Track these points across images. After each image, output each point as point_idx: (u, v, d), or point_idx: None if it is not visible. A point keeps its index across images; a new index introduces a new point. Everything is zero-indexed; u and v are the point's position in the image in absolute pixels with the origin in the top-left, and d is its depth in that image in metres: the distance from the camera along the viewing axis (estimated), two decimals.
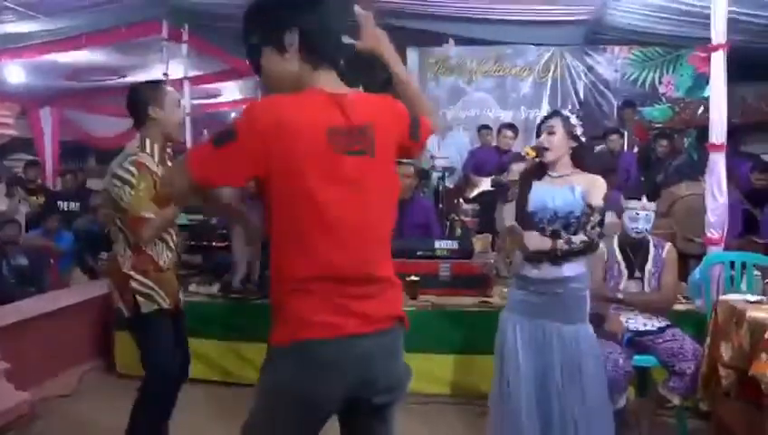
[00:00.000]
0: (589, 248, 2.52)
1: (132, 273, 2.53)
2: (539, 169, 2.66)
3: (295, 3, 1.48)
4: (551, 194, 2.57)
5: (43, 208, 6.69)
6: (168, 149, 2.67)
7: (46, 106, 9.38)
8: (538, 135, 2.69)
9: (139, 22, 6.13)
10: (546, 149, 2.61)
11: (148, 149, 2.53)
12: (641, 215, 3.12)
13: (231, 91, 9.73)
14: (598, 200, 2.52)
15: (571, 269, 2.55)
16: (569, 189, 2.56)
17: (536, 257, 2.56)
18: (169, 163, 2.59)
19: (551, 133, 2.61)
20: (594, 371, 2.56)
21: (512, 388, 2.57)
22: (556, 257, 2.52)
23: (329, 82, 1.52)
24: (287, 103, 1.42)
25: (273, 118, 1.38)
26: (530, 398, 2.55)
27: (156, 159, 2.53)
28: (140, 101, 2.56)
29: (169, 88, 2.68)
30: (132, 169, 2.43)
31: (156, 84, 2.70)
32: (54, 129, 9.52)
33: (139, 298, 2.53)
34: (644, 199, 3.13)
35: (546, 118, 2.70)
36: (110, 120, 10.11)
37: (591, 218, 2.50)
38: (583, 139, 2.67)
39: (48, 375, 3.86)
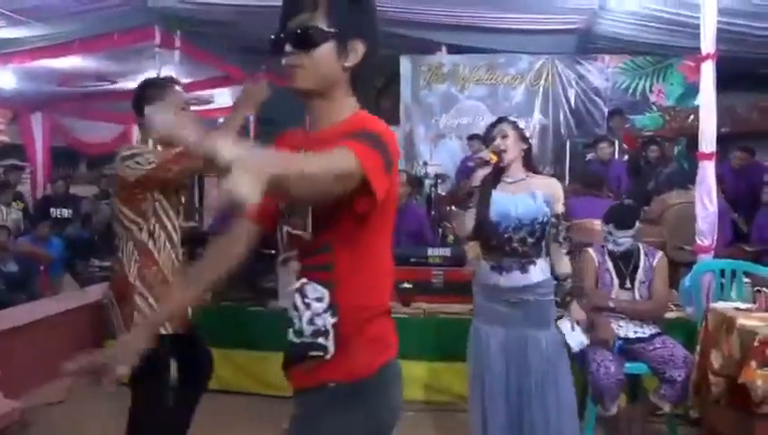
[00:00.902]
0: (533, 248, 2.57)
1: (138, 284, 2.33)
2: (495, 177, 2.68)
3: (374, 21, 1.39)
4: (512, 202, 2.59)
5: (32, 215, 6.66)
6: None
7: (37, 112, 9.33)
8: (486, 142, 2.75)
9: (131, 28, 6.13)
10: (503, 151, 2.64)
11: (149, 146, 2.42)
12: (609, 238, 3.18)
13: (224, 97, 9.71)
14: (561, 207, 2.59)
15: (537, 275, 2.58)
16: (529, 196, 2.59)
17: (504, 266, 2.58)
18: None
19: (504, 137, 2.65)
20: (567, 373, 2.60)
21: (487, 395, 2.59)
22: (524, 262, 2.55)
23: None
24: None
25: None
26: (507, 404, 2.58)
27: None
28: (141, 99, 2.42)
29: (177, 88, 2.50)
30: (150, 156, 2.28)
31: (160, 83, 2.55)
32: (45, 134, 9.47)
33: (137, 317, 2.29)
34: (611, 226, 3.16)
35: (493, 125, 2.75)
36: (101, 126, 10.08)
37: (560, 228, 2.56)
38: (530, 141, 2.75)
39: (38, 383, 3.83)
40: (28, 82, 7.53)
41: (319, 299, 1.32)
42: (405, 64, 7.74)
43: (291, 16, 1.33)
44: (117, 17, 5.84)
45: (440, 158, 7.54)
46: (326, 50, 1.31)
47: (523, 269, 2.56)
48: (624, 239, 3.15)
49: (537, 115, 7.67)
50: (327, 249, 1.31)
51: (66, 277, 5.99)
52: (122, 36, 6.17)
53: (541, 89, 7.73)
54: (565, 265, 2.66)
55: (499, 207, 2.59)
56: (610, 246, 3.19)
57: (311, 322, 1.33)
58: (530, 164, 2.71)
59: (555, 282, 2.64)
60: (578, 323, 2.72)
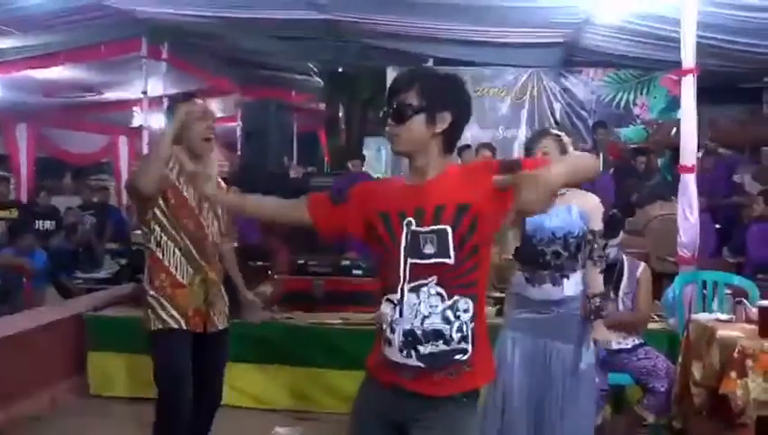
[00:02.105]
0: (566, 262, 2.52)
1: (147, 287, 2.53)
2: None
3: (461, 95, 1.71)
4: (547, 214, 2.48)
5: (16, 226, 6.59)
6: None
7: (22, 122, 9.28)
8: (528, 153, 2.66)
9: (118, 39, 6.13)
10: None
11: (170, 165, 2.52)
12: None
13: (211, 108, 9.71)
14: (599, 224, 2.52)
15: (570, 289, 2.53)
16: (565, 209, 2.51)
17: (537, 278, 2.54)
18: (199, 180, 2.48)
19: (545, 154, 2.56)
20: (588, 390, 2.56)
21: (506, 403, 2.55)
22: (557, 276, 2.53)
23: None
24: None
25: None
26: (524, 413, 2.53)
27: (175, 172, 2.52)
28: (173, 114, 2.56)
29: (196, 101, 2.60)
30: None
31: (178, 100, 2.65)
32: (30, 145, 9.41)
33: (150, 313, 2.51)
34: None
35: (538, 137, 2.66)
36: (87, 137, 10.05)
37: (596, 245, 2.50)
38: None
39: (19, 396, 3.78)
40: (14, 92, 7.50)
41: (466, 311, 1.61)
42: (391, 76, 7.77)
43: (393, 95, 1.67)
44: (104, 28, 5.85)
45: None
46: (416, 121, 1.63)
47: (556, 283, 2.51)
48: (610, 248, 3.16)
49: (523, 127, 7.73)
50: (475, 268, 1.62)
51: (50, 290, 5.93)
52: (109, 47, 6.17)
53: (526, 101, 7.79)
54: (596, 284, 2.58)
55: (533, 219, 2.51)
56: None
57: (459, 329, 1.61)
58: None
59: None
60: (595, 342, 2.73)
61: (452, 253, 1.59)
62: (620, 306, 3.20)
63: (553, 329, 2.54)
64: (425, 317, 1.60)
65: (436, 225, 1.60)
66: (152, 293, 2.52)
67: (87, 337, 4.08)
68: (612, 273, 3.22)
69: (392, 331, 1.63)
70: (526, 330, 2.58)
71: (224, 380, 2.76)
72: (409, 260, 1.62)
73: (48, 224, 7.12)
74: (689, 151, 3.62)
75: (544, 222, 2.53)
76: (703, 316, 3.06)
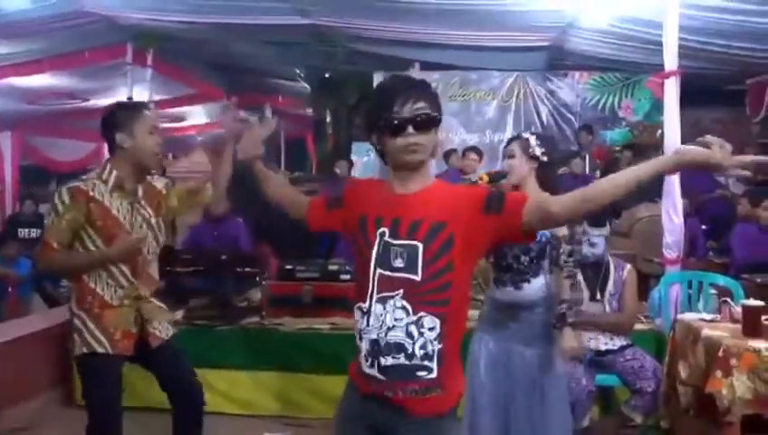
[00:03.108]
0: (529, 267, 2.53)
1: (74, 308, 2.41)
2: None
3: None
4: None
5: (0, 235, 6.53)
6: (152, 177, 2.54)
7: (6, 130, 9.19)
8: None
9: (102, 46, 6.09)
10: (504, 172, 2.64)
11: (104, 176, 2.41)
12: (583, 239, 3.19)
13: (197, 115, 9.69)
14: (563, 230, 2.52)
15: (530, 294, 2.54)
16: None
17: (500, 280, 2.58)
18: (138, 192, 2.45)
19: (510, 157, 2.62)
20: (557, 395, 2.55)
21: (476, 404, 2.57)
22: (517, 278, 2.54)
23: None
24: None
25: None
26: (490, 413, 2.54)
27: (109, 186, 2.39)
28: (109, 126, 2.42)
29: (146, 112, 2.47)
30: (65, 197, 2.34)
31: (129, 108, 2.50)
32: (15, 153, 9.32)
33: (75, 337, 2.38)
34: (584, 225, 3.19)
35: (507, 143, 2.71)
36: (72, 145, 9.95)
37: (561, 251, 2.51)
38: (545, 158, 2.61)
39: (5, 406, 3.74)
40: None
41: (432, 329, 1.58)
42: (378, 81, 7.79)
43: (404, 103, 1.59)
44: (88, 35, 5.80)
45: None
46: (435, 131, 1.64)
47: (517, 286, 2.53)
48: (598, 239, 3.18)
49: (510, 131, 7.76)
50: (446, 287, 1.58)
51: (35, 298, 5.87)
52: (93, 54, 6.13)
53: (513, 105, 7.84)
54: (563, 289, 2.56)
55: None
56: (585, 249, 3.19)
57: (423, 347, 1.57)
58: (547, 183, 2.58)
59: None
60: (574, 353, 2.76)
61: (419, 270, 1.56)
62: (607, 307, 3.22)
63: (515, 332, 2.55)
64: (389, 329, 1.58)
65: (409, 239, 1.58)
66: (79, 314, 2.39)
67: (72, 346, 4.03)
68: (598, 274, 3.25)
69: (360, 339, 1.63)
70: (491, 331, 2.60)
71: (198, 382, 2.65)
72: (379, 270, 1.61)
73: (33, 232, 7.05)
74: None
75: None
76: (688, 316, 3.09)
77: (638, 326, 3.50)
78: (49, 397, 4.08)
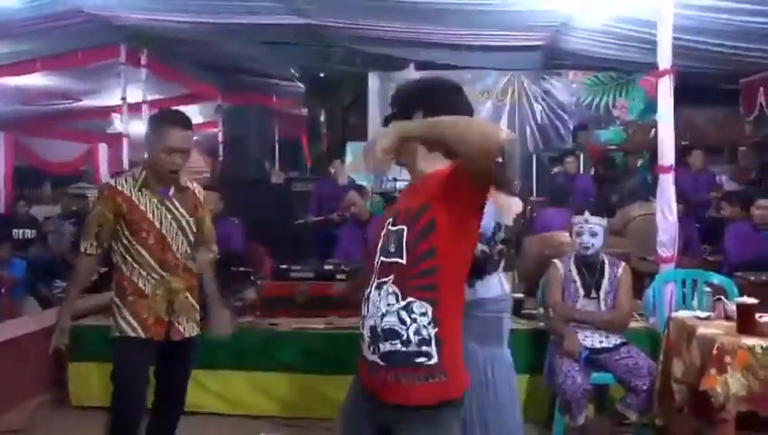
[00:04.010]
0: (486, 262, 2.50)
1: (113, 295, 2.59)
2: None
3: (432, 94, 1.79)
4: None
5: None
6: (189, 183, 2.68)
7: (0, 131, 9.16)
8: None
9: (96, 46, 6.07)
10: None
11: (137, 174, 2.57)
12: (585, 228, 3.20)
13: (191, 114, 9.65)
14: (508, 220, 2.56)
15: (485, 291, 2.51)
16: None
17: None
18: (159, 192, 2.57)
19: None
20: (507, 397, 2.52)
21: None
22: (469, 276, 2.52)
23: None
24: None
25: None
26: None
27: (138, 184, 2.54)
28: (147, 127, 2.62)
29: (171, 131, 2.48)
30: (97, 192, 2.60)
31: (158, 121, 2.57)
32: (8, 154, 9.29)
33: (113, 320, 2.57)
34: (586, 214, 3.21)
35: None
36: (66, 145, 9.93)
37: (496, 236, 2.52)
38: (499, 159, 2.67)
39: None
40: None
41: (423, 314, 1.59)
42: (373, 81, 7.80)
43: (394, 117, 1.74)
44: (81, 35, 5.78)
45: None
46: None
47: (468, 284, 2.52)
48: (599, 229, 3.19)
49: (504, 130, 7.77)
50: (433, 272, 1.59)
51: (29, 300, 5.84)
52: (87, 54, 6.12)
53: (507, 104, 7.86)
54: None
55: None
56: (586, 239, 3.19)
57: (417, 332, 1.58)
58: (501, 183, 2.57)
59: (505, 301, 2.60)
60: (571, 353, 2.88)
61: (404, 253, 1.60)
62: (602, 306, 3.23)
63: (466, 330, 2.52)
64: (383, 315, 1.61)
65: (399, 224, 1.64)
66: (115, 301, 2.57)
67: (67, 347, 4.01)
68: (593, 272, 3.26)
69: (362, 326, 1.66)
70: None
71: (187, 389, 2.75)
72: (381, 258, 1.66)
73: (27, 233, 7.02)
74: (667, 152, 3.67)
75: None
76: (683, 314, 3.09)
77: (633, 324, 3.50)
78: (43, 399, 4.06)
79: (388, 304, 1.60)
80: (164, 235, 2.55)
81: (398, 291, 1.59)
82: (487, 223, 2.50)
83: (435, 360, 1.58)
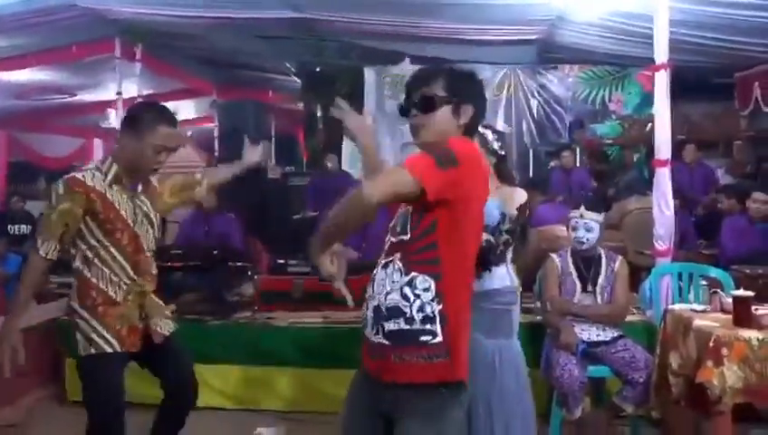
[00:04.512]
0: (490, 251, 2.51)
1: (76, 305, 2.32)
2: None
3: (481, 90, 1.83)
4: None
5: None
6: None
7: None
8: None
9: (90, 40, 6.04)
10: None
11: (104, 169, 2.35)
12: (580, 223, 3.20)
13: (186, 109, 9.62)
14: (511, 210, 2.56)
15: (492, 283, 2.52)
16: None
17: None
18: (126, 188, 2.37)
19: None
20: (515, 388, 2.53)
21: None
22: (477, 270, 2.52)
23: None
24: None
25: (482, 162, 1.73)
26: None
27: (108, 179, 2.33)
28: (126, 120, 2.39)
29: (161, 129, 2.32)
30: (61, 187, 2.28)
31: (147, 115, 2.35)
32: (2, 149, 9.25)
33: (79, 336, 2.30)
34: (582, 209, 3.21)
35: None
36: (60, 140, 9.88)
37: (501, 226, 2.53)
38: (502, 152, 2.71)
39: None
40: None
41: (426, 290, 1.60)
42: (369, 75, 7.78)
43: (415, 87, 1.75)
44: (75, 29, 5.75)
45: None
46: (443, 112, 1.72)
47: (478, 276, 2.50)
48: (595, 224, 3.19)
49: (500, 124, 7.77)
50: (433, 246, 1.61)
51: None
52: (81, 48, 6.08)
53: (503, 98, 7.84)
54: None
55: None
56: (582, 234, 3.20)
57: (420, 309, 1.59)
58: (503, 175, 2.68)
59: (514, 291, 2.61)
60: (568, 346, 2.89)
61: (408, 230, 1.66)
62: (599, 299, 3.24)
63: (476, 323, 2.52)
64: (387, 293, 1.63)
65: (406, 207, 1.70)
66: (81, 312, 2.30)
67: (63, 343, 4.01)
68: (590, 266, 3.27)
69: (367, 308, 1.68)
70: None
71: (196, 380, 2.61)
72: (390, 238, 1.72)
73: (22, 229, 7.00)
74: (663, 145, 3.67)
75: None
76: (679, 307, 3.10)
77: (630, 317, 3.51)
78: (40, 395, 4.05)
79: (393, 282, 1.63)
80: (137, 233, 2.37)
81: (402, 267, 1.63)
82: (492, 213, 2.50)
83: (439, 338, 1.59)
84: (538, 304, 3.55)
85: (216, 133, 8.77)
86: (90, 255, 2.31)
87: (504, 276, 2.56)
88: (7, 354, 2.27)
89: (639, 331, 3.52)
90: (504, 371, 2.51)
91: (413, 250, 1.63)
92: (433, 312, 1.59)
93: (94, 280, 2.31)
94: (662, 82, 3.67)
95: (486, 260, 2.51)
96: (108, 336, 2.30)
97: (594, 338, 3.18)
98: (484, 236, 2.44)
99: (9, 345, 2.28)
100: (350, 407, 1.78)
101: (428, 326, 1.59)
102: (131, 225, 2.37)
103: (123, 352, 2.34)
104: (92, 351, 2.30)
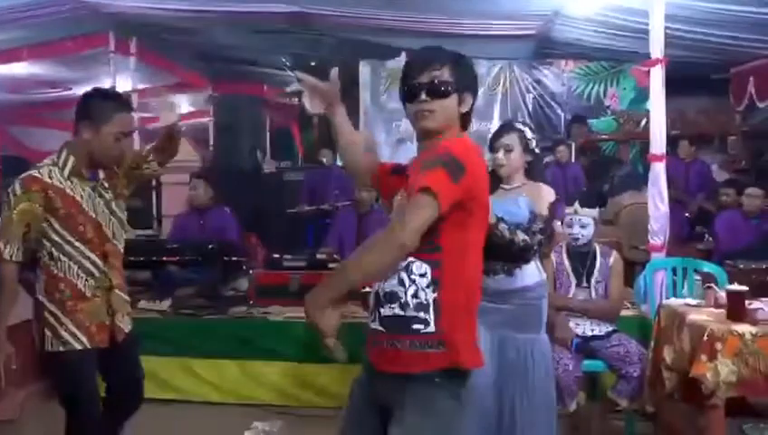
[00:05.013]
0: (526, 250, 2.53)
1: (44, 299, 2.27)
2: (493, 182, 2.67)
3: (476, 79, 1.79)
4: (498, 207, 2.51)
5: None
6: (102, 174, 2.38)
7: None
8: (491, 149, 2.69)
9: (84, 34, 6.00)
10: (501, 165, 2.63)
11: (61, 163, 2.29)
12: (574, 220, 3.21)
13: (182, 104, 9.58)
14: (542, 209, 2.56)
15: (524, 279, 2.56)
16: (514, 202, 2.56)
17: (491, 268, 2.56)
18: (87, 180, 2.32)
19: (508, 151, 2.62)
20: (543, 382, 2.56)
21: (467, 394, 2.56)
22: (510, 266, 2.53)
23: None
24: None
25: (478, 152, 1.67)
26: (485, 405, 2.54)
27: (66, 172, 2.28)
28: (80, 110, 2.30)
29: (120, 115, 2.29)
30: (18, 187, 2.23)
31: (104, 102, 2.31)
32: None
33: (47, 331, 2.25)
34: (576, 205, 3.22)
35: (501, 132, 2.69)
36: (54, 135, 9.79)
37: (533, 225, 2.54)
38: (537, 150, 2.70)
39: None
40: None
41: (423, 275, 1.57)
42: (364, 70, 7.76)
43: (422, 71, 1.66)
44: (69, 23, 5.71)
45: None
46: (452, 99, 1.67)
47: (509, 273, 2.53)
48: (589, 220, 3.20)
49: (496, 120, 7.77)
50: (431, 233, 1.54)
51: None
52: (75, 42, 6.05)
53: (499, 94, 7.83)
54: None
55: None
56: (576, 230, 3.21)
57: (415, 295, 1.57)
58: (532, 173, 2.67)
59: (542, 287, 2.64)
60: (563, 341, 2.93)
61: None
62: (593, 294, 3.25)
63: (508, 319, 2.54)
64: (387, 279, 1.61)
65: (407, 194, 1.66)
66: (50, 308, 2.25)
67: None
68: (585, 262, 3.28)
69: (371, 296, 1.67)
70: (485, 323, 2.57)
71: (141, 377, 2.55)
72: None
73: None
74: (658, 141, 3.68)
75: (495, 215, 2.52)
76: (673, 302, 3.12)
77: (624, 312, 3.53)
78: (35, 388, 4.03)
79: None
80: (101, 224, 2.33)
81: None
82: (523, 213, 2.51)
83: (432, 328, 1.57)
84: None
85: (211, 128, 8.75)
86: (55, 252, 2.27)
87: (534, 272, 2.58)
88: (0, 363, 2.27)
89: (633, 325, 3.54)
90: (537, 364, 2.54)
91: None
92: (427, 299, 1.57)
93: (61, 274, 2.26)
94: (657, 77, 3.68)
95: (521, 258, 2.53)
96: (78, 333, 2.26)
97: (589, 333, 3.20)
98: (520, 235, 2.45)
99: (3, 353, 2.28)
100: (351, 400, 1.77)
101: (421, 314, 1.57)
102: (94, 216, 2.32)
103: (93, 350, 2.29)
104: (61, 348, 2.25)
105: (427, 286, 1.57)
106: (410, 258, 1.56)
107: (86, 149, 2.30)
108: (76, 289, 2.27)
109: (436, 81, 1.64)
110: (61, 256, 2.27)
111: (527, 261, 2.56)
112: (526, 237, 2.49)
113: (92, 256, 2.31)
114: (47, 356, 2.29)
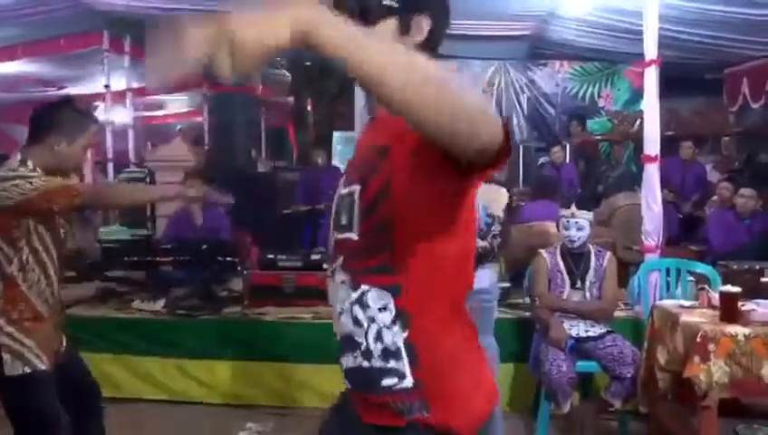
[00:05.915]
0: (486, 256, 2.53)
1: (2, 322, 2.08)
2: None
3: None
4: None
5: None
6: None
7: None
8: None
9: (78, 32, 5.99)
10: None
11: (30, 168, 2.11)
12: (571, 222, 3.21)
13: (176, 103, 9.57)
14: (498, 211, 2.59)
15: (482, 281, 2.54)
16: None
17: None
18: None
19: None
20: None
21: None
22: None
23: None
24: None
25: None
26: None
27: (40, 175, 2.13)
28: (49, 122, 2.15)
29: (94, 127, 2.24)
30: (30, 165, 2.08)
31: (79, 115, 2.21)
32: None
33: (5, 356, 2.05)
34: (573, 207, 3.22)
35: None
36: None
37: (492, 228, 2.54)
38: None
39: None
40: None
41: (383, 309, 1.11)
42: None
43: None
44: (63, 21, 5.70)
45: None
46: (387, 26, 1.15)
47: None
48: (585, 223, 3.21)
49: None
50: (387, 248, 1.09)
51: None
52: (69, 40, 6.03)
53: (494, 94, 7.86)
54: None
55: None
56: (573, 232, 3.22)
57: (378, 338, 1.11)
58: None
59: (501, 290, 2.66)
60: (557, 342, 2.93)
61: (355, 223, 1.12)
62: (587, 295, 3.26)
63: None
64: (340, 314, 1.17)
65: (351, 183, 1.15)
66: (8, 328, 2.07)
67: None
68: (579, 263, 3.28)
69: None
70: None
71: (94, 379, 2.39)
72: (335, 235, 1.20)
73: None
74: (652, 141, 3.69)
75: None
76: (667, 303, 3.13)
77: (618, 313, 3.54)
78: None
79: (342, 299, 1.16)
80: (60, 234, 2.20)
81: (347, 277, 1.15)
82: (480, 216, 2.51)
83: (408, 382, 1.10)
84: (527, 300, 3.57)
85: (206, 127, 8.73)
86: (31, 259, 2.10)
87: (491, 274, 2.59)
88: None
89: (627, 326, 3.55)
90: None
91: (362, 251, 1.12)
92: (395, 343, 1.10)
93: (24, 289, 2.10)
94: (651, 78, 3.69)
95: (481, 263, 2.53)
96: (39, 352, 2.10)
97: (583, 334, 3.20)
98: (480, 243, 2.45)
99: None
100: (328, 416, 1.35)
101: (391, 364, 1.11)
102: (57, 227, 2.19)
103: (50, 371, 2.14)
104: (27, 370, 2.07)
105: (393, 323, 1.10)
106: (363, 286, 1.11)
107: (56, 159, 2.16)
108: (35, 310, 2.13)
109: (359, 4, 1.13)
110: (35, 264, 2.11)
111: (484, 264, 2.56)
112: (485, 244, 2.50)
113: (58, 267, 2.19)
114: (8, 382, 2.08)
